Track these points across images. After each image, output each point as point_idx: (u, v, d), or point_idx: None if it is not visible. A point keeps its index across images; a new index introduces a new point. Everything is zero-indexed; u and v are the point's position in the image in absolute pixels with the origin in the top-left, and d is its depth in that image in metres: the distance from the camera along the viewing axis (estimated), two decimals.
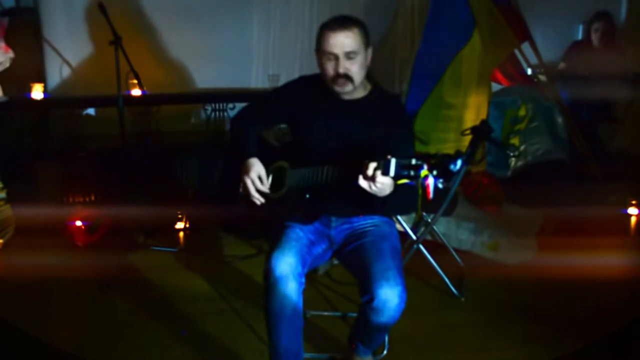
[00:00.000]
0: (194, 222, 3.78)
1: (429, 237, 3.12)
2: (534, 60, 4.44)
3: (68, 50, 4.32)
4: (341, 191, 1.98)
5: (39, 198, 3.75)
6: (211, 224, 3.77)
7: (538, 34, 4.51)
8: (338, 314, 2.74)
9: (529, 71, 4.51)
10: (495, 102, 4.17)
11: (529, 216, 3.70)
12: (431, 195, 1.63)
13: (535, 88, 4.50)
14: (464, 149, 2.79)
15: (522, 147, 4.34)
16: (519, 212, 3.75)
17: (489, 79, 3.98)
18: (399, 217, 2.91)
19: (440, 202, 2.74)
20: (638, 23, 5.13)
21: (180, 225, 3.77)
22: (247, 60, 4.63)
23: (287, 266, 1.92)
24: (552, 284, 2.99)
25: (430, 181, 1.63)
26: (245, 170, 2.08)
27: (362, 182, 1.77)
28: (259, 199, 2.09)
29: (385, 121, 2.05)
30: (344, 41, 1.97)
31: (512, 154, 4.32)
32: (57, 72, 4.32)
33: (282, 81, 2.34)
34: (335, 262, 2.58)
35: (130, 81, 3.67)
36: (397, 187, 1.78)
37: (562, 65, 4.84)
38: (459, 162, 1.62)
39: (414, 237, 2.94)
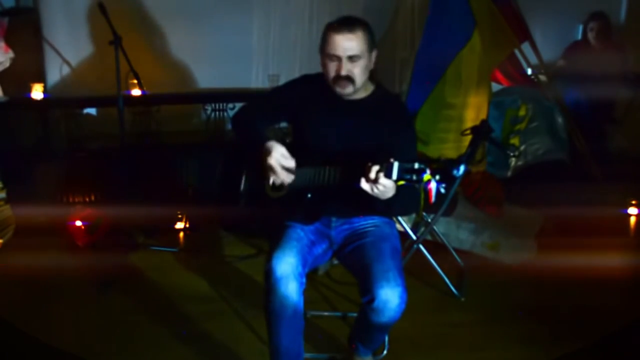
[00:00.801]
0: (194, 222, 3.78)
1: (429, 237, 3.12)
2: (534, 60, 4.44)
3: (68, 50, 4.31)
4: (342, 192, 1.98)
5: (39, 198, 3.74)
6: (211, 224, 3.77)
7: (538, 34, 4.51)
8: (338, 314, 2.74)
9: (529, 71, 4.51)
10: (495, 102, 4.17)
11: (529, 216, 3.70)
12: (433, 199, 1.63)
13: (535, 88, 4.50)
14: (464, 149, 2.80)
15: (522, 147, 4.34)
16: (519, 212, 3.75)
17: (489, 79, 3.97)
18: (399, 217, 2.91)
19: (441, 203, 2.74)
20: (638, 23, 5.13)
21: (180, 225, 3.77)
22: (247, 60, 4.63)
23: (287, 266, 1.92)
24: (552, 284, 2.99)
25: (433, 185, 1.64)
26: (266, 153, 2.00)
27: (365, 185, 1.77)
28: (288, 177, 2.01)
29: (388, 122, 2.05)
30: (347, 44, 1.97)
31: (512, 154, 4.32)
32: (57, 72, 4.32)
33: (282, 81, 2.34)
34: (335, 262, 2.57)
35: (130, 81, 3.67)
36: (398, 189, 1.78)
37: (560, 62, 4.84)
38: (461, 168, 1.62)
39: (414, 237, 2.94)
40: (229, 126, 4.21)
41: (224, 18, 4.47)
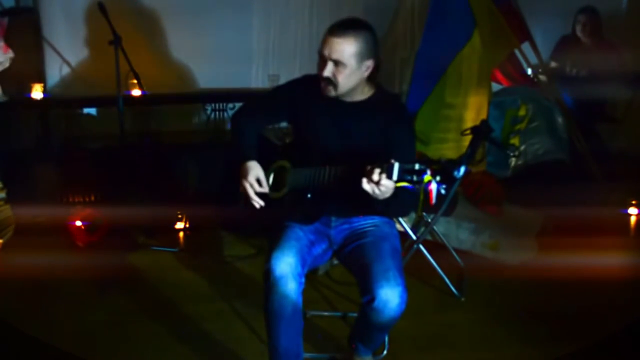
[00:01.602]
0: (194, 222, 3.78)
1: (429, 237, 3.12)
2: (534, 60, 4.43)
3: (68, 50, 4.31)
4: (342, 192, 1.98)
5: (39, 198, 3.74)
6: (211, 224, 3.77)
7: (538, 34, 4.51)
8: (338, 314, 2.74)
9: (529, 71, 4.51)
10: (495, 102, 4.16)
11: (529, 216, 3.70)
12: (434, 200, 1.64)
13: (535, 88, 4.49)
14: (464, 149, 2.80)
15: (522, 147, 4.34)
16: (519, 212, 3.75)
17: (489, 79, 3.97)
18: (399, 217, 2.91)
19: (441, 203, 2.74)
20: (638, 22, 5.12)
21: (180, 225, 3.77)
22: (247, 60, 4.63)
23: (286, 266, 1.92)
24: (552, 284, 2.99)
25: (433, 186, 1.64)
26: (243, 173, 2.07)
27: (366, 186, 1.77)
28: (258, 202, 2.07)
29: (387, 122, 2.04)
30: (334, 47, 1.95)
31: (512, 154, 4.32)
32: (57, 72, 4.31)
33: (282, 81, 2.34)
34: (335, 262, 2.58)
35: (130, 81, 3.67)
36: (396, 189, 1.79)
37: (553, 64, 4.83)
38: (462, 169, 1.63)
39: (414, 237, 2.94)
40: (229, 126, 4.22)
41: (224, 18, 4.47)
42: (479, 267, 3.19)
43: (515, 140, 4.34)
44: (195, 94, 4.52)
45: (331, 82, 1.99)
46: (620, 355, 2.41)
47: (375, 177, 1.73)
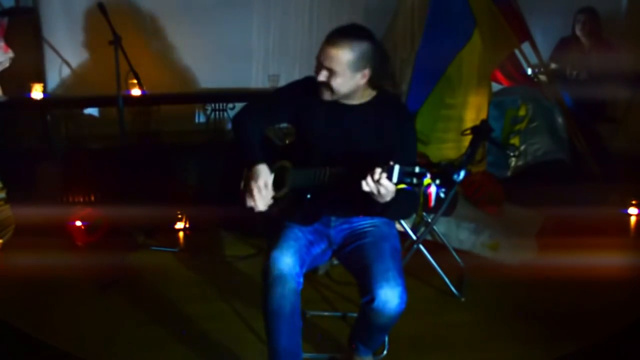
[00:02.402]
0: (194, 222, 3.78)
1: (429, 237, 3.12)
2: (534, 60, 4.43)
3: (68, 50, 4.31)
4: (342, 193, 1.98)
5: (39, 198, 3.74)
6: (211, 224, 3.77)
7: (538, 34, 4.51)
8: (338, 314, 2.74)
9: (529, 71, 4.51)
10: (495, 102, 4.17)
11: (529, 216, 3.70)
12: (433, 203, 1.64)
13: (535, 88, 4.49)
14: (464, 149, 2.81)
15: (522, 147, 4.34)
16: (519, 212, 3.75)
17: (489, 79, 3.98)
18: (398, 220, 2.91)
19: (441, 203, 2.74)
20: (638, 23, 5.12)
21: (180, 225, 3.77)
22: (247, 60, 4.63)
23: (285, 266, 1.92)
24: (552, 284, 2.99)
25: (433, 190, 1.64)
26: (252, 176, 2.04)
27: (366, 187, 1.77)
28: (260, 208, 2.04)
29: (388, 123, 2.04)
30: (328, 55, 1.95)
31: (512, 154, 4.32)
32: (57, 72, 4.31)
33: (282, 81, 2.34)
34: (335, 262, 2.58)
35: (130, 81, 3.66)
36: (397, 192, 1.79)
37: (553, 66, 4.83)
38: (462, 173, 1.63)
39: (414, 237, 2.94)
40: (229, 126, 4.22)
41: (224, 18, 4.47)
42: (479, 267, 3.19)
43: (515, 140, 4.34)
44: (195, 94, 4.52)
45: (327, 86, 1.99)
46: (620, 355, 2.41)
47: (376, 177, 1.73)
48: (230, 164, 2.30)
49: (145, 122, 4.21)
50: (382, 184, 1.73)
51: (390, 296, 1.86)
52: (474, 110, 3.82)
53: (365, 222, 2.14)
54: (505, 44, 3.96)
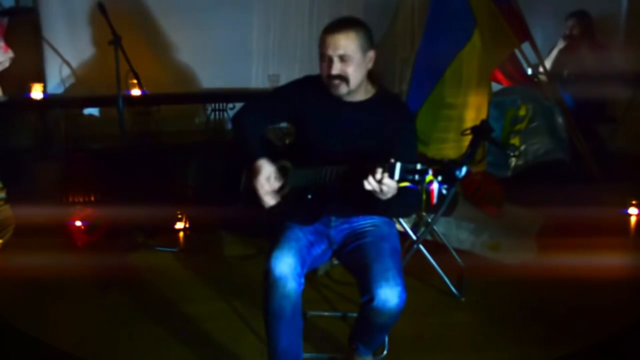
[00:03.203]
0: (194, 222, 3.78)
1: (429, 237, 3.12)
2: (534, 60, 4.43)
3: (68, 50, 4.31)
4: (343, 192, 1.98)
5: (39, 198, 3.74)
6: (211, 224, 3.77)
7: (538, 34, 4.51)
8: (338, 314, 2.74)
9: (529, 71, 4.51)
10: (495, 102, 4.16)
11: (529, 216, 3.70)
12: (435, 200, 1.64)
13: (535, 88, 4.50)
14: (464, 149, 2.80)
15: (522, 147, 4.34)
16: (519, 212, 3.75)
17: (489, 79, 3.97)
18: (401, 218, 2.91)
19: (441, 203, 2.74)
20: (638, 23, 5.13)
21: (180, 225, 3.77)
22: (247, 60, 4.63)
23: (286, 266, 1.92)
24: (552, 284, 2.99)
25: (435, 186, 1.64)
26: (254, 172, 2.04)
27: (368, 186, 1.77)
28: (267, 203, 2.04)
29: (389, 122, 2.04)
30: (337, 43, 1.97)
31: (512, 154, 4.32)
32: (57, 72, 4.32)
33: (282, 81, 2.34)
34: (335, 262, 2.58)
35: (130, 81, 3.66)
36: (399, 190, 1.79)
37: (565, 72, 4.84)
38: (464, 169, 1.63)
39: (414, 237, 2.94)
40: (229, 126, 4.22)
41: (224, 18, 4.48)
42: (479, 267, 3.19)
43: (515, 140, 4.34)
44: (195, 94, 4.52)
45: (342, 78, 2.00)
46: (620, 355, 2.41)
47: (378, 176, 1.73)
48: (230, 164, 2.30)
49: (145, 122, 4.21)
50: (384, 183, 1.73)
51: (389, 295, 1.86)
52: (474, 110, 3.82)
53: (366, 222, 2.14)
54: (505, 44, 3.96)
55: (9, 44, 3.78)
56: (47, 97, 4.04)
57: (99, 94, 4.06)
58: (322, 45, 2.00)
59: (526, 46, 4.26)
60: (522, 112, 4.33)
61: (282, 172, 2.15)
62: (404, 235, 2.66)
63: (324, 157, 2.00)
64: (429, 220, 2.98)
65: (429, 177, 1.64)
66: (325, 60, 2.00)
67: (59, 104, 4.22)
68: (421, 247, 2.94)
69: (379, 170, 1.73)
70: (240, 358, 2.42)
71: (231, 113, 4.23)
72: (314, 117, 2.10)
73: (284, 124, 2.36)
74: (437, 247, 3.13)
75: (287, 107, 2.17)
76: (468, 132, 2.77)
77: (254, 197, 2.04)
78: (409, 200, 1.88)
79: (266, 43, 4.65)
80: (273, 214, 2.06)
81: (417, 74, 3.82)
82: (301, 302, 1.96)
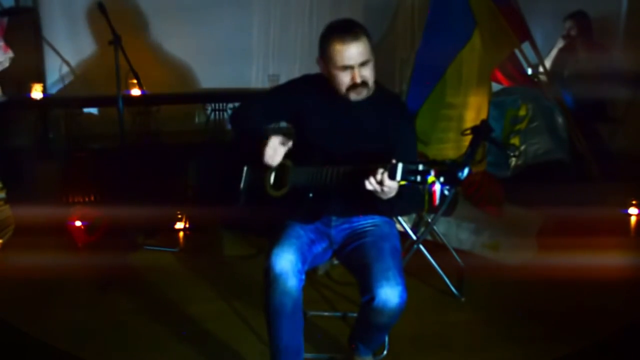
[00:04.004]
0: (194, 222, 3.78)
1: (429, 237, 3.12)
2: (534, 60, 4.43)
3: (68, 50, 4.31)
4: (344, 191, 1.98)
5: (39, 198, 3.74)
6: (211, 224, 3.77)
7: (538, 34, 4.51)
8: (338, 314, 2.74)
9: (529, 71, 4.51)
10: (495, 102, 4.16)
11: (529, 216, 3.70)
12: (437, 201, 1.64)
13: (536, 88, 4.50)
14: (464, 149, 2.80)
15: (522, 147, 4.34)
16: (519, 212, 3.75)
17: (489, 79, 3.97)
18: (399, 217, 2.91)
19: (441, 203, 2.74)
20: (638, 23, 5.13)
21: (180, 225, 3.77)
22: (247, 60, 4.63)
23: (287, 263, 1.92)
24: (552, 284, 2.99)
25: (437, 187, 1.64)
26: (264, 144, 2.05)
27: (369, 186, 1.77)
28: (275, 157, 2.06)
29: (389, 121, 2.05)
30: (357, 51, 1.96)
31: (512, 154, 4.32)
32: (57, 72, 4.32)
33: (282, 81, 2.34)
34: (335, 262, 2.58)
35: (130, 81, 3.67)
36: (400, 188, 1.79)
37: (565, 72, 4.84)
38: (466, 170, 1.63)
39: (414, 237, 2.94)
40: (229, 126, 4.22)
41: (224, 18, 4.48)
42: (479, 267, 3.19)
43: (515, 140, 4.34)
44: (195, 94, 4.52)
45: (365, 84, 2.00)
46: (620, 355, 2.41)
47: (379, 177, 1.73)
48: (230, 163, 2.30)
49: (145, 122, 4.21)
50: (386, 184, 1.73)
51: (390, 295, 1.86)
52: (474, 110, 3.81)
53: (366, 222, 2.14)
54: (506, 44, 3.95)
55: (9, 43, 3.77)
56: (47, 97, 4.04)
57: (99, 94, 4.06)
58: (338, 56, 1.96)
59: (526, 46, 4.25)
60: (522, 112, 4.32)
61: (282, 170, 2.15)
62: (404, 235, 2.66)
63: (324, 156, 2.01)
64: (429, 220, 2.98)
65: (431, 178, 1.64)
66: (347, 70, 1.98)
67: (59, 104, 4.22)
68: (421, 247, 2.94)
69: (380, 171, 1.73)
70: (240, 358, 2.42)
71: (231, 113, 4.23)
72: (314, 116, 2.11)
73: (283, 124, 2.36)
74: (437, 247, 3.13)
75: (286, 107, 2.17)
76: (468, 132, 2.77)
77: (256, 194, 2.04)
78: (410, 199, 1.88)
79: (266, 43, 4.66)
80: (271, 212, 2.06)
81: (417, 74, 3.82)
82: (302, 299, 1.96)
